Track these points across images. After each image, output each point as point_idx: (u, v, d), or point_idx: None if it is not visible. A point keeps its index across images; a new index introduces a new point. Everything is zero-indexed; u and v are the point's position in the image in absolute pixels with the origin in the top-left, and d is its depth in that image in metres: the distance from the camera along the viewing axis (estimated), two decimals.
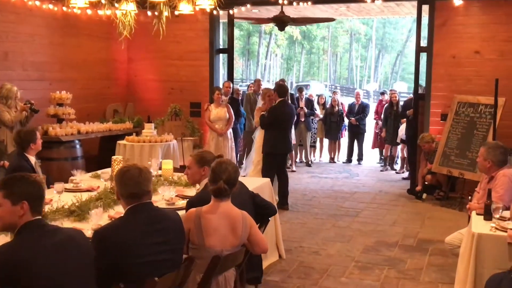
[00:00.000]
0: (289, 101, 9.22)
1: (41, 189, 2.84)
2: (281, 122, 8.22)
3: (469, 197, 5.89)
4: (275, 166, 8.25)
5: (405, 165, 11.52)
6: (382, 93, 13.48)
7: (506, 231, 4.00)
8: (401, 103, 11.77)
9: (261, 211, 4.32)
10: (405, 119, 10.78)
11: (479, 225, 4.24)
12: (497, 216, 4.28)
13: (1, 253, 2.60)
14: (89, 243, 2.96)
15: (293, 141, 11.54)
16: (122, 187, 3.23)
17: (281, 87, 8.54)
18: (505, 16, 8.77)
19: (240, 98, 11.57)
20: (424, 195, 8.93)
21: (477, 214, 4.49)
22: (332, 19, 10.74)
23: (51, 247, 2.67)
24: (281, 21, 8.67)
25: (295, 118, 9.03)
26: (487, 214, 4.32)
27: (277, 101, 8.25)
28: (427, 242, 6.67)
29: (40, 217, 2.79)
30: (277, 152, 8.26)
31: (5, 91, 7.52)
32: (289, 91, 11.50)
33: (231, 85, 10.56)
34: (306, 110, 12.04)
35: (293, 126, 11.27)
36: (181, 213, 3.92)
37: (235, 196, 3.76)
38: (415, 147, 9.58)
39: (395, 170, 11.78)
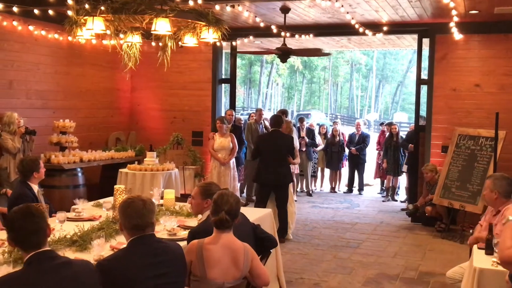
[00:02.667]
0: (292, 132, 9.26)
1: (30, 228, 2.82)
2: (264, 152, 8.13)
3: (470, 230, 5.88)
4: (264, 196, 8.09)
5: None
6: (382, 124, 13.55)
7: None
8: (401, 134, 11.87)
9: (261, 243, 4.31)
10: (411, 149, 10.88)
11: (480, 259, 4.23)
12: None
13: (7, 282, 2.65)
14: (97, 284, 2.94)
15: (296, 170, 11.61)
16: (126, 218, 3.24)
17: (273, 118, 8.52)
18: (505, 51, 8.89)
19: (241, 127, 11.64)
20: (411, 206, 9.16)
21: (479, 248, 4.48)
22: (328, 54, 10.83)
23: (54, 284, 2.70)
24: (284, 53, 8.76)
25: (288, 149, 8.22)
26: (489, 249, 4.32)
27: (270, 131, 8.34)
28: (428, 275, 6.64)
29: (49, 248, 2.83)
30: (260, 182, 8.19)
31: (6, 118, 7.80)
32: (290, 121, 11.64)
33: (234, 113, 10.66)
34: (307, 140, 12.09)
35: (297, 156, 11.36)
36: (183, 243, 3.93)
37: (237, 227, 3.77)
38: (416, 178, 9.62)
39: (396, 200, 11.78)
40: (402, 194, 12.08)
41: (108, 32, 6.04)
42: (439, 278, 6.36)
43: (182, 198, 6.69)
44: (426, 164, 9.15)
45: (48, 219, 2.97)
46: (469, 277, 4.22)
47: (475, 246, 4.59)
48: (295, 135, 8.96)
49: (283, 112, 12.45)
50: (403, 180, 12.05)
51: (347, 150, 12.92)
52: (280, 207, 8.03)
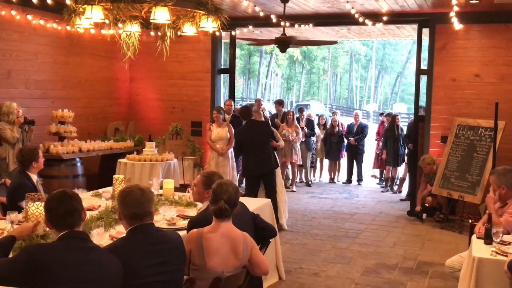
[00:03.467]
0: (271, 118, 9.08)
1: (59, 209, 2.99)
2: (246, 144, 8.14)
3: (470, 220, 5.89)
4: (255, 188, 8.11)
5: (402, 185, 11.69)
6: (382, 114, 13.52)
7: (506, 256, 4.01)
8: (400, 125, 11.88)
9: (261, 232, 4.32)
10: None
11: (479, 249, 4.24)
12: (498, 240, 4.28)
13: (36, 250, 2.83)
14: (118, 273, 2.98)
15: (299, 161, 11.61)
16: (124, 207, 3.25)
17: (242, 110, 8.64)
18: (505, 41, 8.86)
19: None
20: (424, 215, 8.95)
21: (478, 238, 4.49)
22: (334, 42, 10.75)
23: (79, 264, 2.80)
24: (283, 43, 8.72)
25: (267, 133, 8.25)
26: (488, 238, 4.32)
27: (244, 124, 8.38)
28: (427, 264, 6.66)
29: (81, 230, 3.01)
30: (248, 174, 8.25)
31: (5, 108, 7.77)
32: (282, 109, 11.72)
33: (233, 103, 10.63)
34: (306, 130, 12.07)
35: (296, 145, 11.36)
36: (182, 233, 3.93)
37: (236, 217, 3.77)
38: (415, 169, 9.61)
39: (395, 192, 11.79)
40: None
41: (107, 21, 6.00)
42: (438, 268, 6.38)
43: (181, 188, 6.68)
44: (422, 157, 9.07)
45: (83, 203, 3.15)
46: (468, 267, 4.23)
47: (474, 236, 4.60)
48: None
49: (280, 103, 12.45)
50: (400, 171, 12.03)
51: (345, 141, 12.93)
52: (269, 196, 7.93)
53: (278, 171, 8.40)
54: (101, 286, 2.85)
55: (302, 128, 11.92)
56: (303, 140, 11.95)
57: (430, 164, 8.90)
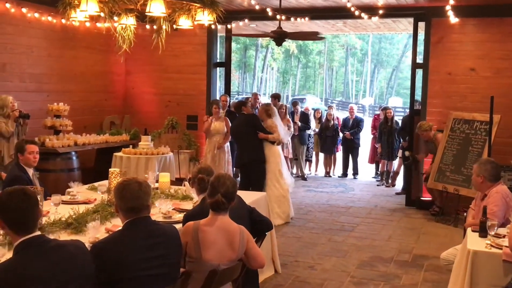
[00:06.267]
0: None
1: (26, 210, 2.70)
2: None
3: (464, 214, 5.92)
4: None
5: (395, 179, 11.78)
6: (380, 107, 13.52)
7: (501, 248, 4.03)
8: (396, 118, 11.88)
9: (257, 226, 4.34)
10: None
11: (474, 242, 4.26)
12: (492, 233, 4.30)
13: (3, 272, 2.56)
14: (90, 262, 2.88)
15: (290, 155, 11.61)
16: (122, 200, 3.23)
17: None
18: (500, 35, 8.86)
19: (236, 112, 11.59)
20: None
21: (473, 231, 4.51)
22: (321, 38, 10.47)
23: (44, 271, 2.61)
24: (279, 36, 8.71)
25: (250, 126, 8.28)
26: (483, 231, 4.34)
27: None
28: (422, 257, 6.69)
29: (39, 233, 2.73)
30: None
31: (0, 101, 7.61)
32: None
33: (228, 99, 10.61)
34: (300, 124, 12.07)
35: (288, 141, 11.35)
36: (178, 226, 3.93)
37: (233, 210, 3.77)
38: (411, 163, 9.65)
39: (387, 184, 11.81)
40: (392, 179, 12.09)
41: (102, 14, 5.99)
42: (433, 261, 6.41)
43: (177, 181, 6.68)
44: (419, 124, 9.11)
45: (41, 202, 2.92)
46: (462, 259, 4.25)
47: (469, 229, 4.62)
48: (278, 121, 8.72)
49: (276, 97, 12.44)
50: (394, 165, 12.04)
51: (341, 135, 12.94)
52: (253, 188, 7.92)
53: (273, 167, 8.29)
54: (81, 275, 2.78)
55: (295, 122, 11.92)
56: (296, 133, 11.95)
57: (427, 130, 9.00)
